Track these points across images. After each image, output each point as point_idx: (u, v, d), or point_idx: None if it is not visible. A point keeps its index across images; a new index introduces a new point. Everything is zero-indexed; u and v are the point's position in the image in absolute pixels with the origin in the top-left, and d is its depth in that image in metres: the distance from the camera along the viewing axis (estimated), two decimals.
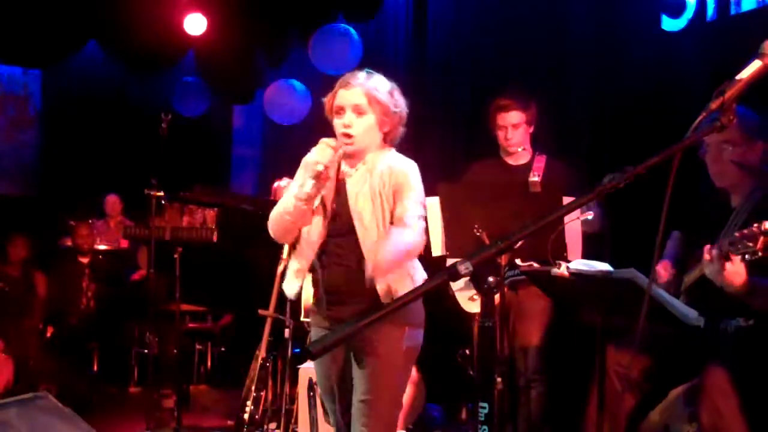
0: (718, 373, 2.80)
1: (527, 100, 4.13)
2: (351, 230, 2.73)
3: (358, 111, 2.73)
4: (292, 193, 2.76)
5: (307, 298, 2.86)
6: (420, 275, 2.80)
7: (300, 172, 2.81)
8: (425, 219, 2.79)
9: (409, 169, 2.77)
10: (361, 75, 2.78)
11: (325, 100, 2.83)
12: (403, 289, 2.69)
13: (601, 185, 1.70)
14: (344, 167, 2.81)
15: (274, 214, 2.81)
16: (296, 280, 2.82)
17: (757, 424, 2.73)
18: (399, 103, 2.80)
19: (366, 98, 2.73)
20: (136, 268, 6.85)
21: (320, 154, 2.70)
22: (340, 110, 2.75)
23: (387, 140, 2.83)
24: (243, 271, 5.07)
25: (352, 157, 2.79)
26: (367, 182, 2.75)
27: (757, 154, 3.01)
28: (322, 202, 2.78)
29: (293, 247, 2.87)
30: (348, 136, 2.73)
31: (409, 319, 2.75)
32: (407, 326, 2.75)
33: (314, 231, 2.78)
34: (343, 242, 2.75)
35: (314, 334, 2.93)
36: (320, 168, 2.66)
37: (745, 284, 2.58)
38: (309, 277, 2.87)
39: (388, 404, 2.76)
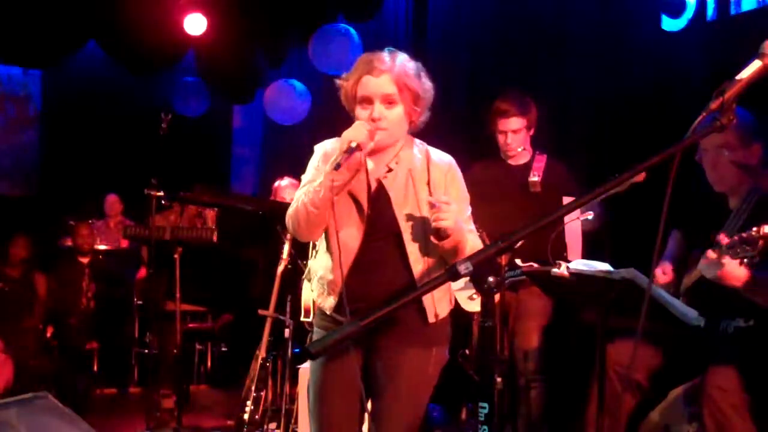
0: (718, 373, 2.80)
1: (527, 104, 4.10)
2: (392, 234, 2.47)
3: (388, 101, 2.43)
4: (313, 181, 2.46)
5: (307, 298, 2.80)
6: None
7: (315, 161, 2.57)
8: None
9: (454, 165, 2.56)
10: (386, 57, 2.45)
11: (345, 84, 2.50)
12: (442, 306, 2.53)
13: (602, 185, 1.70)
14: (371, 166, 2.51)
15: (296, 209, 2.48)
16: (331, 295, 2.51)
17: (758, 423, 2.74)
18: (427, 86, 2.53)
19: (396, 86, 2.42)
20: (140, 265, 6.85)
21: (355, 132, 2.37)
22: (367, 101, 2.44)
23: (410, 128, 2.56)
24: (243, 271, 5.07)
25: (377, 153, 2.50)
26: (409, 182, 2.49)
27: (756, 155, 3.00)
28: (357, 204, 2.49)
29: (328, 252, 2.54)
30: (379, 129, 2.43)
31: (437, 338, 2.56)
32: (435, 347, 2.55)
33: (351, 237, 2.47)
34: (383, 248, 2.48)
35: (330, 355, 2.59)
36: (354, 144, 2.33)
37: (749, 280, 2.58)
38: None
39: (410, 425, 2.54)
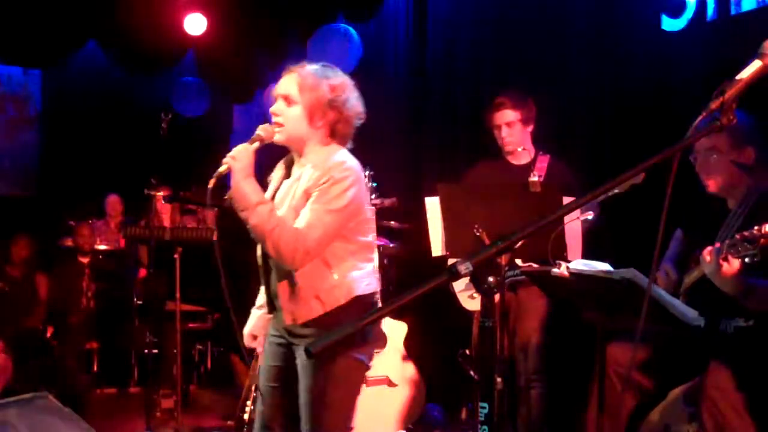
0: (718, 373, 2.80)
1: (522, 98, 4.12)
2: None
3: (288, 100, 2.61)
4: None
5: None
6: (331, 297, 2.57)
7: None
8: (330, 233, 2.54)
9: (335, 173, 2.53)
10: (311, 65, 2.66)
11: None
12: (302, 311, 2.58)
13: (602, 186, 1.69)
14: (294, 168, 2.71)
15: None
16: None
17: (758, 423, 2.74)
18: (342, 99, 2.62)
19: (297, 87, 2.59)
20: (140, 266, 6.84)
21: (236, 152, 2.68)
22: (275, 98, 2.66)
23: (334, 137, 2.66)
24: (243, 271, 5.06)
25: (300, 156, 2.68)
26: (294, 186, 2.63)
27: (750, 158, 2.99)
28: None
29: None
30: (277, 124, 2.65)
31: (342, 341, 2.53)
32: (339, 347, 2.48)
33: None
34: None
35: (267, 342, 2.81)
36: (223, 168, 2.68)
37: (739, 285, 2.58)
38: None
39: (326, 425, 2.57)
